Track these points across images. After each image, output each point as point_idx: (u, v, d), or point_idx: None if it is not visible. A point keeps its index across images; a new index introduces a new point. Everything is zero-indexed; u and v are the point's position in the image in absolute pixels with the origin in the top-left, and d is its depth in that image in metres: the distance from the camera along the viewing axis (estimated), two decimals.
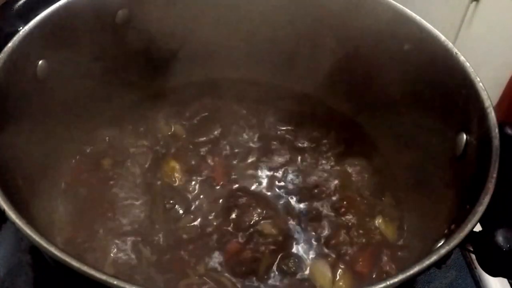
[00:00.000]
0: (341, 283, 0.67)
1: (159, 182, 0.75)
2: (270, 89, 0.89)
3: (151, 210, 0.72)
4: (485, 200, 0.51)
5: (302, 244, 0.70)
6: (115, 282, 0.43)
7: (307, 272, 0.67)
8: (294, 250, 0.69)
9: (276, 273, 0.67)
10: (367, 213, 0.74)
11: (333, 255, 0.69)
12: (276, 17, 0.81)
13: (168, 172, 0.76)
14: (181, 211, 0.72)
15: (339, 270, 0.68)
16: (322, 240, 0.70)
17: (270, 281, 0.66)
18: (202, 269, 0.66)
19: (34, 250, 0.71)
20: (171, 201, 0.72)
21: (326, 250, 0.70)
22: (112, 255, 0.67)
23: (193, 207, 0.73)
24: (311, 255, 0.69)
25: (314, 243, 0.70)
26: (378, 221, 0.73)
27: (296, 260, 0.68)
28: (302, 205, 0.74)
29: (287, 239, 0.70)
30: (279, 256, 0.68)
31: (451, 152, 0.64)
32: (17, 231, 0.47)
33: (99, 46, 0.74)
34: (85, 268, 0.44)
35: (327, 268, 0.68)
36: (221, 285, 0.65)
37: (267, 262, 0.67)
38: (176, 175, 0.76)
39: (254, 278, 0.66)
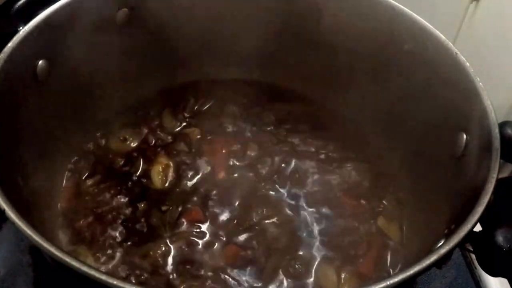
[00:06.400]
0: (346, 287, 0.67)
1: (153, 184, 0.75)
2: (270, 89, 0.89)
3: (149, 214, 0.72)
4: (485, 200, 0.51)
5: (307, 247, 0.70)
6: (115, 282, 0.43)
7: (312, 275, 0.67)
8: (299, 253, 0.69)
9: (282, 275, 0.67)
10: (369, 214, 0.74)
11: (338, 258, 0.69)
12: (276, 17, 0.81)
13: (164, 172, 0.76)
14: (177, 214, 0.72)
15: (344, 274, 0.67)
16: (326, 243, 0.70)
17: (275, 283, 0.66)
18: (206, 270, 0.66)
19: (34, 250, 0.71)
20: (167, 203, 0.72)
21: (330, 253, 0.69)
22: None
23: (191, 209, 0.73)
24: (316, 258, 0.69)
25: (319, 246, 0.70)
26: (380, 222, 0.73)
27: (302, 263, 0.68)
28: (303, 207, 0.74)
29: (292, 242, 0.70)
30: (285, 259, 0.68)
31: (451, 152, 0.64)
32: (17, 231, 0.47)
33: (99, 46, 0.74)
34: (85, 268, 0.44)
35: (332, 272, 0.67)
36: (226, 287, 0.65)
37: (272, 264, 0.68)
38: (171, 175, 0.76)
39: (260, 280, 0.66)
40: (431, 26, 0.69)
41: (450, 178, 0.64)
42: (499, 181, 0.53)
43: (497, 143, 0.56)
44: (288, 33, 0.83)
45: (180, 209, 0.72)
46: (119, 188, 0.74)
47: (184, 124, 0.83)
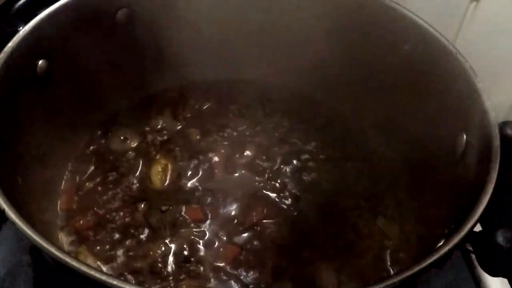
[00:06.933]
0: (346, 287, 0.67)
1: (153, 184, 0.75)
2: (269, 89, 0.88)
3: (149, 215, 0.72)
4: (485, 200, 0.51)
5: (307, 247, 0.70)
6: (114, 282, 0.43)
7: (312, 276, 0.67)
8: (299, 253, 0.69)
9: (282, 275, 0.67)
10: (369, 214, 0.74)
11: (338, 258, 0.69)
12: (278, 17, 0.81)
13: (164, 172, 0.76)
14: (177, 214, 0.72)
15: (344, 274, 0.67)
16: (327, 243, 0.70)
17: (276, 283, 0.66)
18: (206, 270, 0.66)
19: (34, 250, 0.71)
20: (167, 203, 0.72)
21: (330, 253, 0.69)
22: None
23: (191, 208, 0.73)
24: (316, 258, 0.69)
25: (319, 246, 0.70)
26: (380, 222, 0.73)
27: (302, 263, 0.68)
28: (303, 207, 0.74)
29: (292, 242, 0.70)
30: (284, 259, 0.68)
31: (451, 152, 0.64)
32: (17, 231, 0.47)
33: (99, 46, 0.74)
34: (85, 268, 0.44)
35: (332, 272, 0.67)
36: (226, 286, 0.65)
37: (272, 264, 0.67)
38: (170, 175, 0.76)
39: (260, 280, 0.66)
40: (431, 26, 0.69)
41: (450, 178, 0.64)
42: (498, 181, 0.53)
43: (497, 143, 0.56)
44: (292, 34, 0.83)
45: (180, 209, 0.72)
46: (119, 188, 0.74)
47: (184, 124, 0.83)
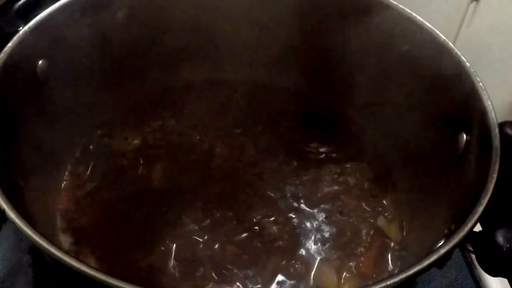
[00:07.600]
0: (346, 287, 0.67)
1: (154, 184, 0.75)
2: (269, 89, 0.89)
3: (149, 215, 0.71)
4: (485, 200, 0.51)
5: (307, 247, 0.70)
6: (114, 282, 0.43)
7: (312, 275, 0.67)
8: (299, 253, 0.69)
9: (282, 275, 0.67)
10: (369, 214, 0.74)
11: (338, 258, 0.69)
12: (277, 16, 0.81)
13: (164, 172, 0.76)
14: (177, 214, 0.71)
15: (344, 273, 0.67)
16: (327, 243, 0.70)
17: (275, 283, 0.66)
18: (206, 270, 0.66)
19: (34, 250, 0.71)
20: (167, 203, 0.72)
21: (330, 253, 0.69)
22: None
23: (191, 209, 0.72)
24: (316, 258, 0.69)
25: (319, 246, 0.70)
26: (380, 222, 0.73)
27: (302, 263, 0.68)
28: (303, 207, 0.74)
29: (292, 242, 0.70)
30: (285, 259, 0.68)
31: (451, 152, 0.64)
32: (17, 231, 0.47)
33: (99, 46, 0.74)
34: (85, 268, 0.44)
35: (332, 272, 0.67)
36: (225, 286, 0.65)
37: (272, 264, 0.67)
38: (171, 175, 0.76)
39: (260, 280, 0.66)
40: (431, 26, 0.69)
41: (450, 178, 0.64)
42: (498, 181, 0.53)
43: (497, 143, 0.56)
44: (291, 33, 0.83)
45: (180, 209, 0.72)
46: (119, 188, 0.74)
47: (183, 124, 0.83)
